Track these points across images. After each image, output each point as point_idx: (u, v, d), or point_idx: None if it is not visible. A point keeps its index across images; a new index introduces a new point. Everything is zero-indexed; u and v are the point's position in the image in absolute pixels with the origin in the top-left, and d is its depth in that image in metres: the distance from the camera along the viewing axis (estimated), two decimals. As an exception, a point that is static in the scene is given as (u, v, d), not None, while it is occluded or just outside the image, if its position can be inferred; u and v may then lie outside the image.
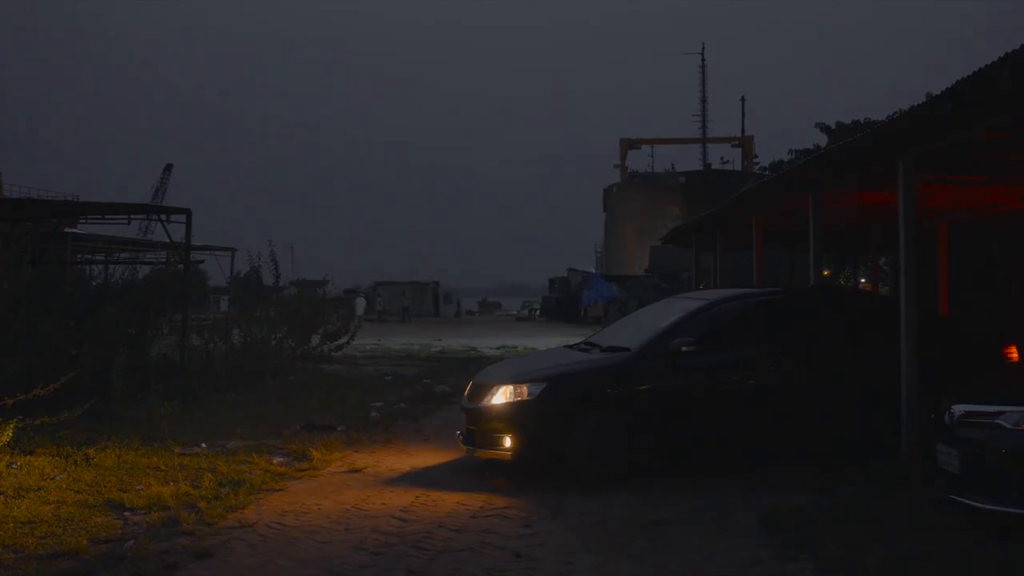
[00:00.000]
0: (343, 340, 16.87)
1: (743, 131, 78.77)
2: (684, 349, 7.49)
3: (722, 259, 17.63)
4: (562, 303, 53.81)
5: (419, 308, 62.35)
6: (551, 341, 29.67)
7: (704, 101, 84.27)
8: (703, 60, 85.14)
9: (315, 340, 16.60)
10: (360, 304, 44.15)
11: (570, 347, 9.12)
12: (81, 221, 24.66)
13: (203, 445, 9.31)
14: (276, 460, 8.55)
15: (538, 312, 59.24)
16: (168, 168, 78.83)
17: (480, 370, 9.61)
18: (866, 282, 29.83)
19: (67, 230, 25.98)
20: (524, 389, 7.58)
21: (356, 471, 8.11)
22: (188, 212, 16.73)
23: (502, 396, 7.68)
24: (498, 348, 25.85)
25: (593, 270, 59.59)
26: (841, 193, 10.95)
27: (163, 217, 18.46)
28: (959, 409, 5.81)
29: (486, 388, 7.91)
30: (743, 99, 79.05)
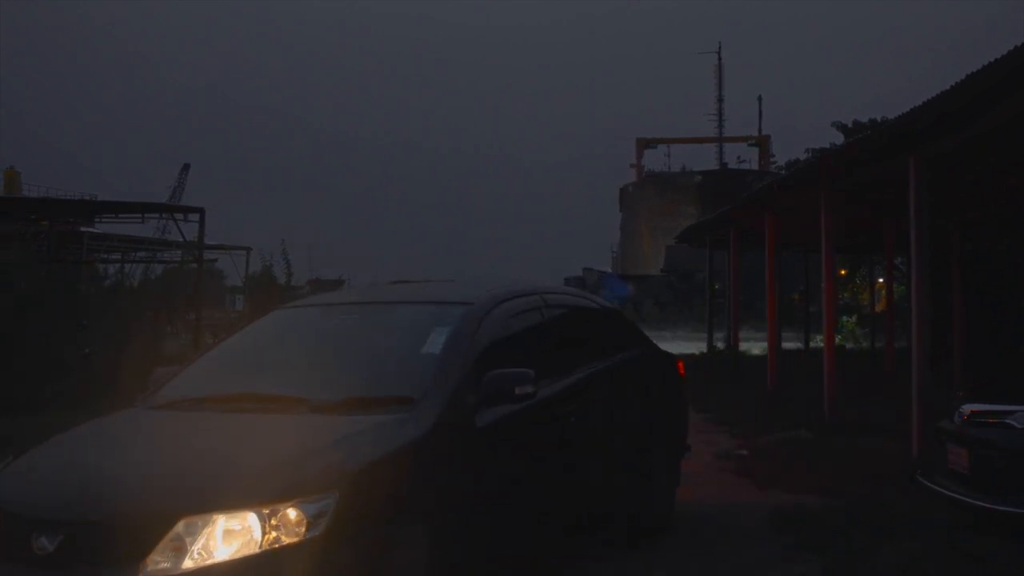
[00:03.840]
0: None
1: (760, 130, 78.65)
2: (519, 391, 4.17)
3: (736, 259, 17.55)
4: (577, 302, 53.67)
5: (434, 307, 62.23)
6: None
7: (721, 100, 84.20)
8: (719, 59, 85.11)
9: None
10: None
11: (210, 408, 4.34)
12: (98, 220, 24.91)
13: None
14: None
15: (553, 311, 59.06)
16: (185, 168, 79.27)
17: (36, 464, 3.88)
18: (882, 282, 29.64)
19: (83, 229, 26.20)
20: (292, 514, 3.25)
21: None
22: (201, 211, 16.89)
23: (228, 540, 3.21)
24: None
25: (609, 269, 59.53)
26: (854, 191, 10.86)
27: (177, 216, 18.63)
28: (968, 408, 5.74)
29: (155, 524, 3.19)
30: (760, 98, 79.06)
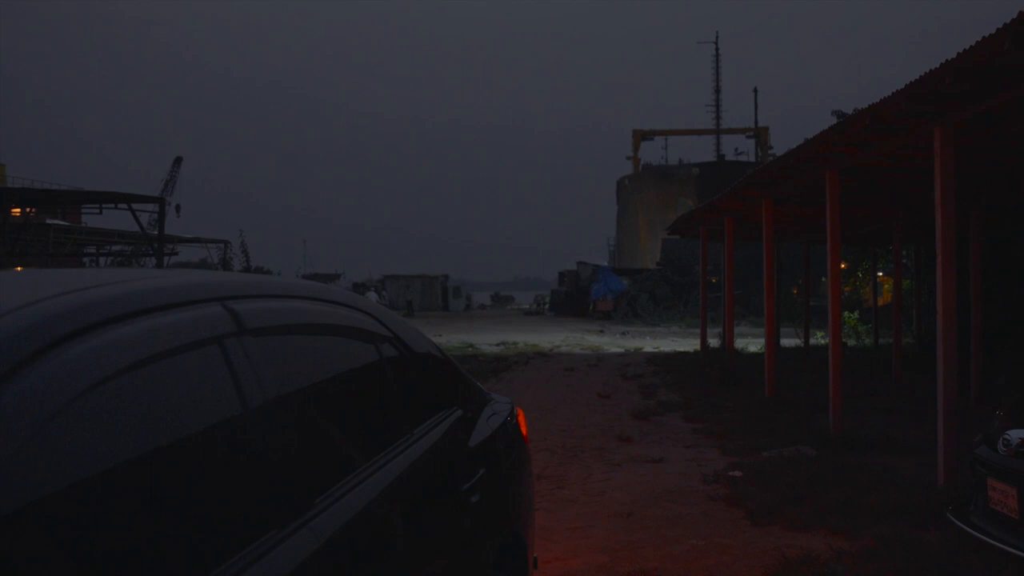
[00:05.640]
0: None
1: (756, 122, 77.76)
2: None
3: (731, 250, 16.42)
4: (571, 297, 52.79)
5: (427, 302, 61.45)
6: (556, 337, 28.64)
7: (718, 91, 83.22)
8: (717, 50, 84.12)
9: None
10: (371, 298, 43.24)
11: None
12: (85, 212, 23.98)
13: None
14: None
15: (547, 306, 58.32)
16: (178, 161, 77.92)
17: None
18: (883, 275, 28.55)
19: (49, 221, 25.10)
20: None
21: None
22: (161, 201, 16.24)
23: None
24: (498, 344, 24.80)
25: (606, 263, 58.42)
26: (861, 173, 9.74)
27: (162, 206, 17.66)
28: (1016, 435, 4.60)
29: None
30: (756, 90, 78.00)
